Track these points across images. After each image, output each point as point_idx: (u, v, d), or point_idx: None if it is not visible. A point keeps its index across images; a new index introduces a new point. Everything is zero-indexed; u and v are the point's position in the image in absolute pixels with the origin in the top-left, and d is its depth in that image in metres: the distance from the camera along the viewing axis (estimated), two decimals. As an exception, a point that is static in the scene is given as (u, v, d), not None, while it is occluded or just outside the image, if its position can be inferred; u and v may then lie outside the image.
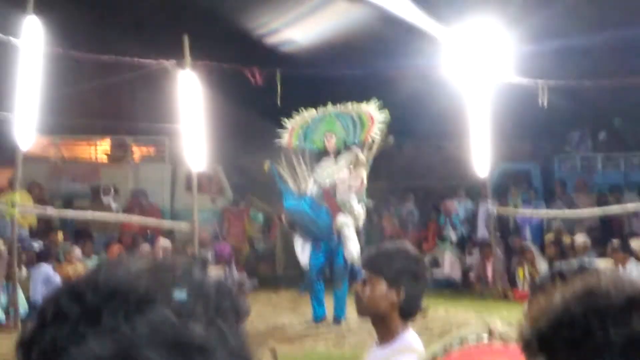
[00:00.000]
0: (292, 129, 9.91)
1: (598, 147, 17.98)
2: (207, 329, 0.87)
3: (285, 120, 9.94)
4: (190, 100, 11.56)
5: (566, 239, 12.57)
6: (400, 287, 2.70)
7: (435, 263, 13.44)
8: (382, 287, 2.71)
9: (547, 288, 1.35)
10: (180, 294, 0.89)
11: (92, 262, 11.80)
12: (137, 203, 14.86)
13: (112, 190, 14.12)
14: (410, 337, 2.71)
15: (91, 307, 0.86)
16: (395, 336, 2.69)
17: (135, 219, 13.17)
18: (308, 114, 9.89)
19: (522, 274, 12.02)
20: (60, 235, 12.51)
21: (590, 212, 12.87)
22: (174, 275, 0.91)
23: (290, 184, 9.73)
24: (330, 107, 9.83)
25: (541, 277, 1.53)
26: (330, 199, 9.40)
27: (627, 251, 10.35)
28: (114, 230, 13.79)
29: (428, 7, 12.65)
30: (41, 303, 0.92)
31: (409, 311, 2.72)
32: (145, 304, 0.86)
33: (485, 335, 1.91)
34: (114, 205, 13.82)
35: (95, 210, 12.94)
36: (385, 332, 2.72)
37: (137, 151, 17.19)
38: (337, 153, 9.63)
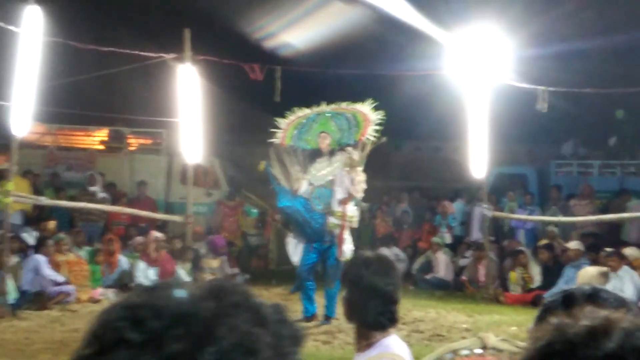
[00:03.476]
0: (286, 128, 9.84)
1: (595, 154, 18.01)
2: (271, 358, 0.86)
3: (280, 119, 9.87)
4: (189, 93, 11.54)
5: (560, 245, 12.58)
6: (347, 294, 2.72)
7: (428, 264, 13.44)
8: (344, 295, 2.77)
9: (557, 311, 1.34)
10: (243, 321, 0.87)
11: (83, 253, 11.78)
12: (140, 194, 14.84)
13: (99, 178, 14.05)
14: (390, 344, 2.69)
15: (154, 334, 0.83)
16: (373, 343, 2.68)
17: (128, 210, 13.14)
18: (302, 113, 9.81)
19: (514, 277, 12.03)
20: (52, 225, 12.47)
21: (585, 219, 12.89)
22: (234, 301, 0.89)
23: (284, 183, 9.69)
24: (325, 107, 9.75)
25: (551, 299, 1.50)
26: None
27: (620, 258, 10.35)
28: (99, 220, 13.74)
29: (429, 10, 12.65)
30: (94, 326, 0.88)
31: (365, 318, 2.70)
32: (210, 331, 0.84)
33: (478, 348, 1.90)
34: (101, 194, 13.75)
35: (82, 199, 12.89)
36: (361, 339, 2.72)
37: (134, 142, 17.16)
38: (331, 153, 9.59)
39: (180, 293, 0.88)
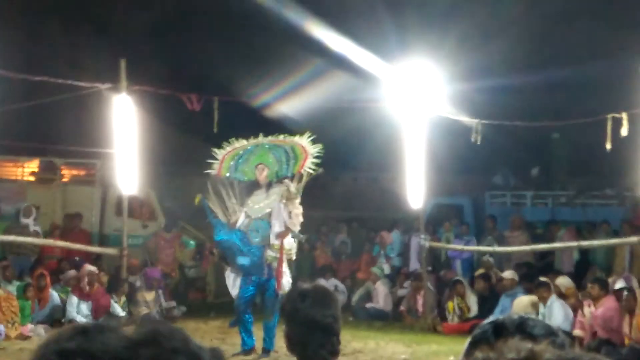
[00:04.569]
0: (223, 159, 9.76)
1: (528, 185, 18.47)
2: None
3: (216, 150, 9.79)
4: (124, 124, 11.37)
5: (495, 274, 12.77)
6: (286, 328, 2.70)
7: (368, 295, 13.46)
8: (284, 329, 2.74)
9: (486, 341, 1.33)
10: None
11: (12, 288, 11.38)
12: (74, 226, 14.47)
13: (34, 211, 13.68)
14: None
15: None
16: None
17: (61, 244, 12.79)
18: (240, 144, 9.75)
19: (451, 307, 12.14)
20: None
21: (519, 249, 13.14)
22: (173, 346, 0.85)
23: (221, 215, 9.59)
24: (262, 138, 9.72)
25: (481, 329, 1.50)
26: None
27: (549, 288, 10.58)
28: (30, 254, 13.35)
29: (366, 43, 12.85)
30: None
31: (305, 352, 2.67)
32: None
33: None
34: (34, 227, 13.37)
35: (14, 232, 12.51)
36: None
37: (67, 173, 16.78)
38: (269, 185, 9.55)
39: (115, 338, 0.83)
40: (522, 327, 1.48)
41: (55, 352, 0.82)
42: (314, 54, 15.75)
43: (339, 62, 14.26)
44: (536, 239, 14.11)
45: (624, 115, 10.62)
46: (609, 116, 10.76)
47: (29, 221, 13.36)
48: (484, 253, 13.77)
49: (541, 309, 10.26)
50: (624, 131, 10.58)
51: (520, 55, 16.88)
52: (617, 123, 10.71)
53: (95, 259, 13.43)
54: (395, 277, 14.04)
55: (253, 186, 9.64)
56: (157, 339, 0.85)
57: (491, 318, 1.58)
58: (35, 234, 13.12)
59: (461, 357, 1.47)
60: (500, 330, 1.45)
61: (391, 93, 12.02)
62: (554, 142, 18.62)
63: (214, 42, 18.44)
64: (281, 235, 9.20)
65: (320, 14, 14.65)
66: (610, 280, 10.90)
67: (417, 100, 11.73)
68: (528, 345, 0.92)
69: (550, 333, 1.49)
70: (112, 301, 11.61)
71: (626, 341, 9.44)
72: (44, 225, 14.07)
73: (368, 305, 13.23)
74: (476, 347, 1.32)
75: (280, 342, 8.47)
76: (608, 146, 10.85)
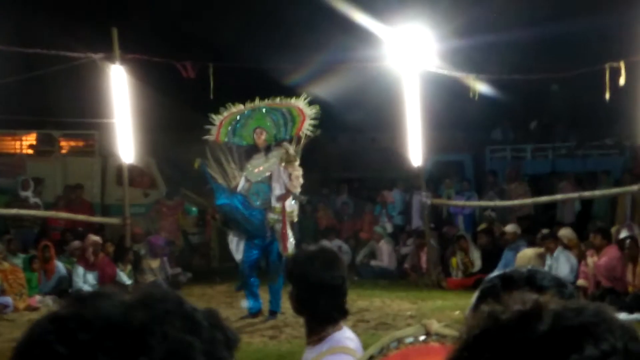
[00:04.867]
0: (221, 125, 9.73)
1: (527, 138, 18.44)
2: None
3: (213, 115, 9.76)
4: (120, 94, 11.31)
5: (498, 229, 12.84)
6: (294, 290, 2.72)
7: (372, 254, 13.55)
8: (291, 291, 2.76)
9: (495, 294, 1.34)
10: (175, 328, 0.84)
11: (18, 261, 11.45)
12: (75, 197, 14.50)
13: (32, 183, 13.70)
14: (342, 337, 2.67)
15: (83, 347, 0.80)
16: (324, 337, 2.66)
17: (64, 215, 12.84)
18: (236, 109, 9.71)
19: (455, 262, 12.23)
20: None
21: (520, 202, 13.18)
22: (166, 309, 0.86)
23: (220, 181, 9.60)
24: (259, 102, 9.68)
25: (490, 283, 1.51)
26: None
27: (555, 239, 10.64)
28: (32, 226, 13.39)
29: (361, 2, 12.72)
30: (22, 340, 0.84)
31: (315, 313, 2.69)
32: (141, 341, 0.82)
33: (422, 336, 1.90)
34: (33, 199, 13.39)
35: (15, 206, 12.54)
36: (312, 333, 2.70)
37: (66, 145, 16.76)
38: (268, 149, 9.54)
39: (109, 303, 0.85)
40: (530, 280, 1.49)
41: (50, 319, 0.85)
42: (309, 15, 15.61)
43: (335, 22, 14.14)
44: (537, 191, 14.15)
45: (622, 64, 10.57)
46: (607, 65, 10.71)
47: (28, 194, 13.38)
48: (485, 208, 13.82)
49: (547, 260, 10.33)
50: (622, 80, 10.55)
51: (517, 10, 16.73)
52: (615, 73, 10.66)
53: (99, 229, 13.49)
54: (398, 236, 14.12)
55: (252, 150, 9.64)
56: (150, 302, 0.87)
57: (495, 272, 1.59)
58: (36, 206, 13.14)
59: (469, 310, 1.48)
60: (509, 284, 1.47)
61: (388, 51, 11.93)
62: (553, 94, 18.55)
63: (206, 7, 18.27)
64: (282, 198, 9.22)
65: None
66: (614, 230, 10.95)
67: (414, 58, 11.66)
68: (533, 296, 0.93)
69: (558, 284, 1.50)
70: (117, 270, 11.69)
71: (630, 289, 9.53)
72: (48, 198, 14.09)
73: (372, 263, 13.32)
74: (484, 301, 1.33)
75: (286, 304, 8.55)
76: (607, 96, 10.82)
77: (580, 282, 10.03)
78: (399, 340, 2.01)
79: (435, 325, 1.88)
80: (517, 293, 0.94)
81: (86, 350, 0.80)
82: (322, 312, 2.66)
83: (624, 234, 10.28)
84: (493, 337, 0.89)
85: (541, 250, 10.70)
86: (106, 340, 0.80)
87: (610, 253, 9.88)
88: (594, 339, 0.86)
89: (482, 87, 12.07)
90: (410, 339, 1.98)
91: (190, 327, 0.86)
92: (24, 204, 12.92)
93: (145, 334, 0.82)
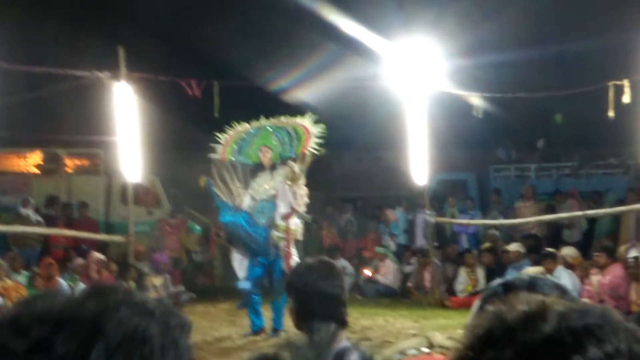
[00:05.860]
0: (226, 144, 9.79)
1: (531, 157, 18.45)
2: (163, 349, 0.86)
3: (219, 134, 9.81)
4: (126, 112, 11.36)
5: (501, 248, 12.80)
6: (294, 303, 2.72)
7: (376, 272, 13.50)
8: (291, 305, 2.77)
9: (497, 300, 1.35)
10: (130, 314, 0.86)
11: (21, 278, 11.43)
12: (82, 215, 14.57)
13: (31, 202, 13.74)
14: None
15: (39, 340, 0.82)
16: None
17: (68, 233, 12.85)
18: (242, 128, 9.78)
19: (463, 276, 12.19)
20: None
21: (523, 221, 13.15)
22: (118, 298, 0.89)
23: (226, 198, 9.63)
24: (264, 121, 9.74)
25: (492, 288, 1.52)
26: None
27: (555, 258, 10.62)
28: (35, 244, 13.39)
29: (367, 22, 12.79)
30: None
31: (312, 323, 2.68)
32: (97, 328, 0.83)
33: (424, 348, 1.90)
34: (34, 217, 13.41)
35: (15, 223, 12.55)
36: None
37: (71, 164, 16.82)
38: (273, 167, 9.58)
39: (59, 299, 0.88)
40: (532, 286, 1.49)
41: (5, 318, 0.87)
42: (315, 34, 15.69)
43: (340, 41, 14.21)
44: (545, 211, 14.11)
45: (626, 82, 10.59)
46: (611, 84, 10.73)
47: (28, 212, 13.41)
48: (489, 227, 13.80)
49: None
50: (626, 98, 10.57)
51: (521, 29, 16.80)
52: (619, 91, 10.69)
53: (103, 247, 13.49)
54: (401, 254, 14.09)
55: (257, 169, 9.68)
56: (102, 293, 0.89)
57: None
58: (37, 224, 13.16)
59: (472, 315, 1.48)
60: (511, 289, 1.47)
61: (392, 70, 11.98)
62: (557, 113, 18.58)
63: (212, 26, 18.39)
64: (287, 217, 9.23)
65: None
66: (622, 248, 10.90)
67: (418, 77, 11.70)
68: (539, 298, 0.94)
69: (559, 291, 1.50)
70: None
71: (633, 308, 9.48)
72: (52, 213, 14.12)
73: (378, 277, 13.25)
74: (487, 304, 1.33)
75: (288, 322, 8.53)
76: (611, 114, 10.83)
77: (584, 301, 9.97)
78: (402, 352, 2.01)
79: (438, 337, 1.88)
80: (523, 294, 0.95)
81: (43, 342, 0.81)
82: (321, 322, 2.66)
83: (633, 253, 10.22)
84: (498, 336, 0.90)
85: (542, 270, 10.66)
86: (61, 331, 0.82)
87: (615, 272, 9.85)
88: (598, 341, 0.86)
89: (486, 106, 12.10)
90: (414, 351, 1.98)
91: (144, 312, 0.88)
92: (25, 222, 12.94)
93: (100, 320, 0.84)
